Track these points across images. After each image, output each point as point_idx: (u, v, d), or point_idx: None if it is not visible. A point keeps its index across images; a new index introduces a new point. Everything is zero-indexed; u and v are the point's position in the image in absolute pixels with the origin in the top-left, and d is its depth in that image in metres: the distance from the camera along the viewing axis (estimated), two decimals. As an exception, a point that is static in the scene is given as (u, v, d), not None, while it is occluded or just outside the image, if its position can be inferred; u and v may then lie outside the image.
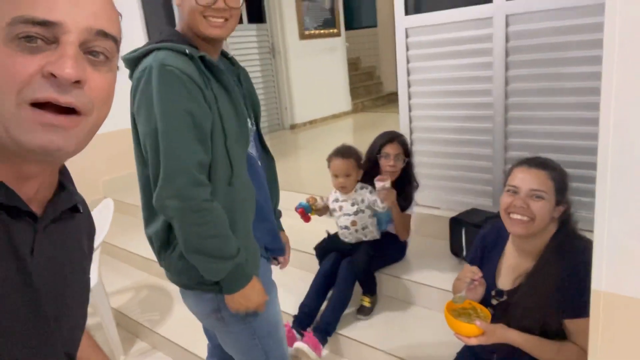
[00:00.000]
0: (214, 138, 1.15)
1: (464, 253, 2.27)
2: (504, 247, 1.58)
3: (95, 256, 2.32)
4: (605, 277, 0.99)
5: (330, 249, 2.28)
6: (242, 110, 1.23)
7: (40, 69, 0.50)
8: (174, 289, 2.84)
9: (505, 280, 1.52)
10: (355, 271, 2.13)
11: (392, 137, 2.19)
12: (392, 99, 7.37)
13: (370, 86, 7.38)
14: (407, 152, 2.21)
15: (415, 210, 2.34)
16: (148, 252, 2.96)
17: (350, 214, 2.18)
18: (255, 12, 5.32)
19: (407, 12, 2.49)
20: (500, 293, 1.51)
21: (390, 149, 2.16)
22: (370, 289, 2.21)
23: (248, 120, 1.31)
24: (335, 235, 2.31)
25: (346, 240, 2.25)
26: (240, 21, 3.73)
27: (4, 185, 0.55)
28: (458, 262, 2.31)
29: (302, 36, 5.69)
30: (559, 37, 2.05)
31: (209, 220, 1.13)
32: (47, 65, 0.50)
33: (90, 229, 0.75)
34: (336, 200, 2.21)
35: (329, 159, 2.16)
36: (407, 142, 2.27)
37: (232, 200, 1.20)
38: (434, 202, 2.65)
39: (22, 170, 0.56)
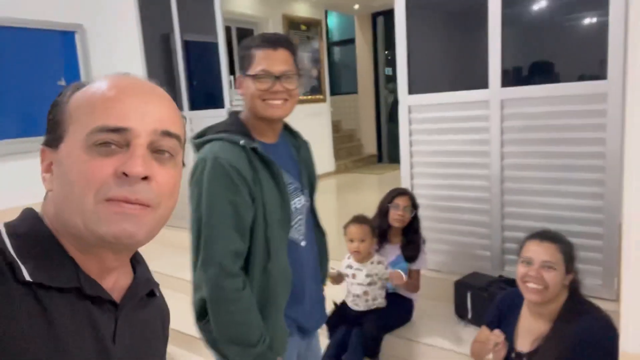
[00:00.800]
0: (255, 227, 1.25)
1: (470, 315, 2.41)
2: (520, 311, 1.73)
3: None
4: (631, 339, 1.15)
5: (340, 321, 2.38)
6: (287, 198, 1.31)
7: (115, 170, 0.58)
8: (177, 352, 2.82)
9: (524, 342, 1.66)
10: (365, 343, 2.24)
11: (403, 192, 2.50)
12: (371, 160, 7.70)
13: (351, 148, 7.70)
14: (415, 206, 2.45)
15: (426, 261, 2.50)
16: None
17: (364, 284, 2.31)
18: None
19: (410, 92, 2.76)
20: (520, 355, 1.65)
21: (401, 201, 2.42)
22: (374, 353, 2.31)
23: (298, 198, 1.38)
24: (344, 304, 2.42)
25: (355, 308, 2.36)
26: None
27: (89, 277, 0.61)
28: (463, 324, 2.44)
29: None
30: (550, 120, 2.33)
31: (234, 310, 1.21)
32: (120, 166, 0.58)
33: (164, 313, 0.79)
34: (350, 267, 2.35)
35: (346, 226, 2.32)
36: (415, 197, 2.51)
37: (266, 285, 1.28)
38: (435, 266, 2.80)
39: (104, 263, 0.63)
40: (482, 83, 2.49)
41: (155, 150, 0.61)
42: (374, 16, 7.34)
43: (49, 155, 0.63)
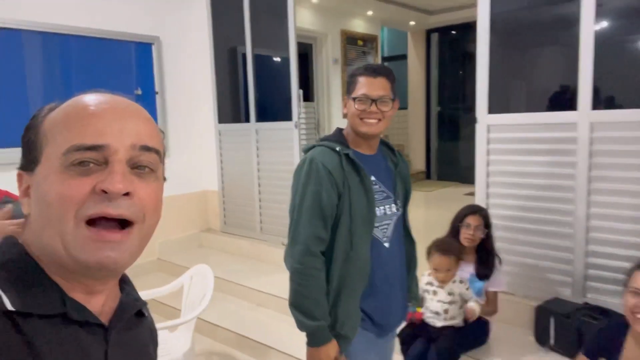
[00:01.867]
0: (341, 220, 1.46)
1: (552, 342, 2.34)
2: (624, 343, 1.67)
3: (190, 325, 2.37)
4: None
5: (415, 334, 2.36)
6: (372, 200, 1.51)
7: (93, 187, 0.56)
8: (241, 356, 2.86)
9: (630, 374, 1.61)
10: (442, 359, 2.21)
11: (475, 210, 2.45)
12: (419, 177, 7.63)
13: (399, 163, 7.64)
14: (487, 225, 2.41)
15: (504, 282, 2.45)
16: (213, 317, 3.04)
17: (445, 302, 2.29)
18: (304, 92, 5.68)
19: (490, 111, 2.74)
20: (626, 388, 1.59)
21: (472, 220, 2.39)
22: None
23: (389, 206, 1.58)
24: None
25: (432, 323, 2.33)
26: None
27: (75, 301, 0.59)
28: (545, 351, 2.37)
29: (345, 115, 6.04)
30: (644, 145, 2.26)
31: (308, 285, 1.44)
32: (99, 183, 0.56)
33: (153, 333, 0.77)
34: (430, 284, 2.33)
35: (430, 251, 2.31)
36: (489, 215, 2.46)
37: (345, 271, 1.48)
38: (509, 288, 2.74)
39: (89, 287, 0.61)
40: (570, 104, 2.44)
41: (135, 166, 0.60)
42: (428, 32, 7.34)
43: (26, 178, 0.61)
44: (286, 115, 3.85)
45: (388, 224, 1.57)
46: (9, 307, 0.54)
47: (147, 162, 0.61)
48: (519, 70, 2.77)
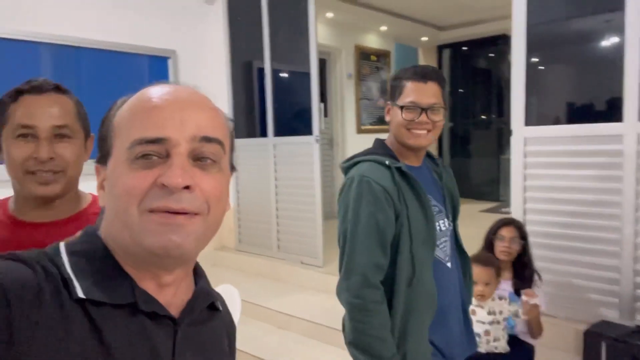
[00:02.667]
0: (401, 243, 1.28)
1: (604, 369, 2.19)
2: None
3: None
4: None
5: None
6: (431, 216, 1.34)
7: (155, 180, 0.57)
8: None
9: None
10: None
11: (508, 222, 2.32)
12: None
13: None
14: (523, 236, 2.28)
15: (544, 303, 2.31)
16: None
17: (485, 322, 2.13)
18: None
19: (527, 124, 2.63)
20: None
21: (506, 232, 2.26)
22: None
23: (442, 221, 1.42)
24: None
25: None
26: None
27: (145, 292, 0.60)
28: (596, 378, 2.21)
29: (359, 130, 5.95)
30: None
31: (370, 321, 1.24)
32: (160, 177, 0.57)
33: (230, 327, 0.77)
34: (467, 302, 2.18)
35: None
36: (524, 226, 2.33)
37: (409, 301, 1.29)
38: (549, 310, 2.59)
39: (159, 278, 0.62)
40: (615, 116, 2.34)
41: (197, 158, 0.60)
42: (440, 48, 7.30)
43: (101, 172, 0.63)
44: (305, 130, 3.75)
45: (446, 241, 1.43)
46: (80, 294, 0.55)
47: (209, 153, 0.60)
48: (557, 80, 2.67)
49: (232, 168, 0.66)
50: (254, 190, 4.19)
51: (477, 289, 2.12)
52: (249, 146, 4.21)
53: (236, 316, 2.18)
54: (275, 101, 4.00)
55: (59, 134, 0.98)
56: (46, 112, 0.97)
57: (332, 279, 3.18)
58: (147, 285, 0.61)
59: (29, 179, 0.97)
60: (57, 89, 1.01)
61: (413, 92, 1.33)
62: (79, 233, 0.66)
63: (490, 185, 6.61)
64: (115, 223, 0.60)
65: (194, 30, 4.22)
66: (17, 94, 0.98)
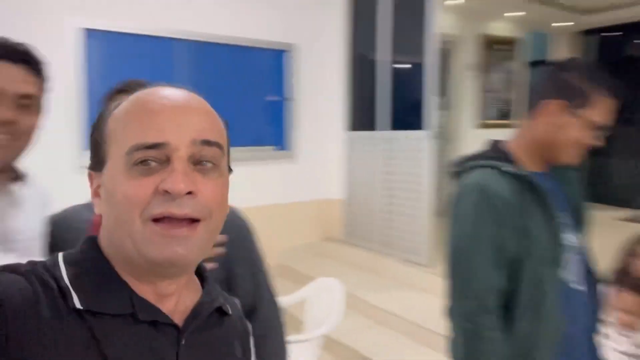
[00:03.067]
0: (523, 263, 1.14)
1: None
2: None
3: (313, 349, 2.25)
4: None
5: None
6: (558, 231, 1.17)
7: (156, 187, 0.56)
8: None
9: None
10: None
11: None
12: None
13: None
14: None
15: None
16: (332, 332, 2.90)
17: (628, 353, 1.85)
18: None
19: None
20: None
21: None
22: None
23: (569, 235, 1.23)
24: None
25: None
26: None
27: (145, 301, 0.59)
28: None
29: (482, 125, 5.61)
30: None
31: (485, 349, 1.12)
32: (161, 183, 0.56)
33: (243, 331, 0.75)
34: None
35: (616, 287, 1.91)
36: None
37: (532, 329, 1.14)
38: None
39: (160, 287, 0.61)
40: None
41: (198, 162, 0.59)
42: (581, 35, 6.53)
43: (95, 178, 0.62)
44: (419, 124, 3.62)
45: (573, 259, 1.25)
46: (78, 305, 0.55)
47: (210, 156, 0.60)
48: None
49: (230, 170, 0.66)
50: (364, 184, 4.19)
51: (625, 319, 1.86)
52: (361, 139, 4.20)
53: (336, 312, 2.19)
54: (389, 94, 3.94)
55: None
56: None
57: (436, 279, 3.07)
58: (147, 294, 0.60)
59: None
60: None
61: (606, 110, 1.16)
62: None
63: (635, 189, 5.78)
64: (117, 232, 0.59)
65: (313, 23, 4.30)
66: (117, 93, 1.06)
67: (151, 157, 0.57)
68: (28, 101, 1.03)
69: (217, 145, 0.61)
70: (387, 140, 3.94)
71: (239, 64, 3.98)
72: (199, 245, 0.59)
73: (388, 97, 3.95)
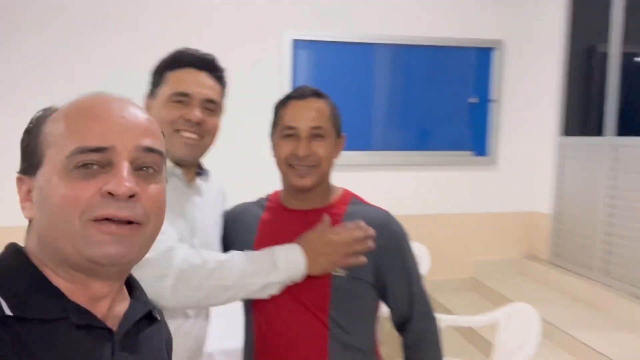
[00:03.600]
0: None
1: None
2: None
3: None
4: None
5: None
6: None
7: (98, 190, 0.57)
8: None
9: None
10: None
11: None
12: None
13: None
14: None
15: None
16: None
17: None
18: None
19: None
20: None
21: None
22: None
23: None
24: None
25: None
26: None
27: (78, 305, 0.59)
28: None
29: None
30: None
31: None
32: (104, 185, 0.57)
33: (167, 338, 0.76)
34: None
35: None
36: None
37: None
38: None
39: (92, 291, 0.61)
40: None
41: (139, 168, 0.60)
42: None
43: (26, 182, 0.62)
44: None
45: None
46: (7, 312, 0.55)
47: (152, 162, 0.62)
48: None
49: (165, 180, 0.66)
50: (580, 198, 3.57)
51: None
52: (579, 145, 3.60)
53: (530, 346, 1.89)
54: (621, 92, 3.27)
55: (315, 134, 1.10)
56: (306, 115, 1.10)
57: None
58: (80, 298, 0.60)
59: (290, 172, 1.12)
60: (316, 94, 1.14)
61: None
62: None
63: None
64: (52, 233, 0.59)
65: (525, 17, 3.86)
66: (287, 99, 1.15)
67: (93, 161, 0.58)
68: (212, 105, 1.15)
69: (159, 152, 0.63)
70: (612, 148, 3.28)
71: (439, 65, 3.84)
72: (139, 245, 0.61)
73: (621, 97, 3.29)
